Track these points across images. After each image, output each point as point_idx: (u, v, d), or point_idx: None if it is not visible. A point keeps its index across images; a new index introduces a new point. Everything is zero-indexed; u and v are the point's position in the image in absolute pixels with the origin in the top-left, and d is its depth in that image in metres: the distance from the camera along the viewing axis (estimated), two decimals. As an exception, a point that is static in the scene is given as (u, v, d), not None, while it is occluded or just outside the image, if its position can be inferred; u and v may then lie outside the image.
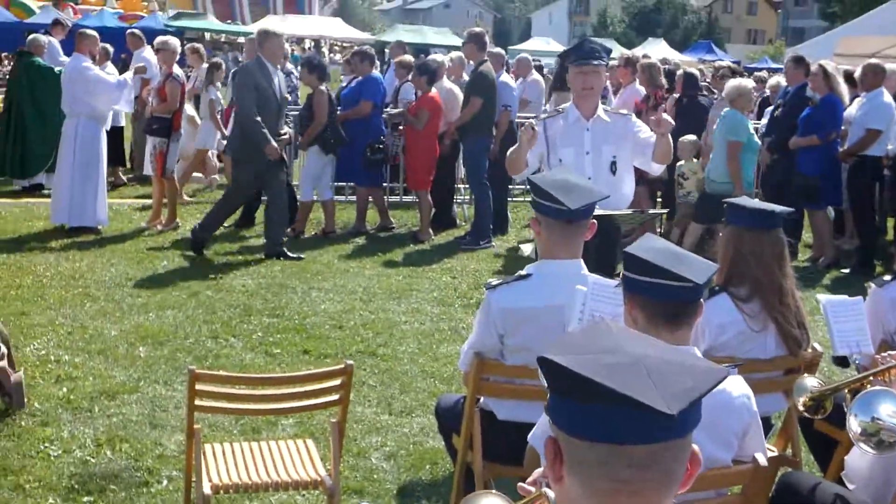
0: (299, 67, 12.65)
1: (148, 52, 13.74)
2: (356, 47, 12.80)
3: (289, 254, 9.89)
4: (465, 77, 12.75)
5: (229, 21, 50.71)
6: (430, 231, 11.29)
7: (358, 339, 7.46)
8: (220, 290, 8.64)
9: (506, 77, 11.93)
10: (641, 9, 73.40)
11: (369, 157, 11.13)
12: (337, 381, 4.02)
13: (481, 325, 4.03)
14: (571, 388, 1.61)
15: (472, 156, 11.12)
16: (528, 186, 3.99)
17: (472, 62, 11.44)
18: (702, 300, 3.00)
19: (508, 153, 6.17)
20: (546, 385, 1.69)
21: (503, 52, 12.98)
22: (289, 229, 10.96)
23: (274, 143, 9.60)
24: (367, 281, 9.22)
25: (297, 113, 11.63)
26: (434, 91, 11.22)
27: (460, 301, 8.65)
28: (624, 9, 76.74)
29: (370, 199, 11.70)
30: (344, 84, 13.52)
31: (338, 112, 11.23)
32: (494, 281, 4.02)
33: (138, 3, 53.53)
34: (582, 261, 3.95)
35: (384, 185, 12.40)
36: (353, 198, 12.11)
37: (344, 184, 12.43)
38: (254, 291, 8.63)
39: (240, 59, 25.11)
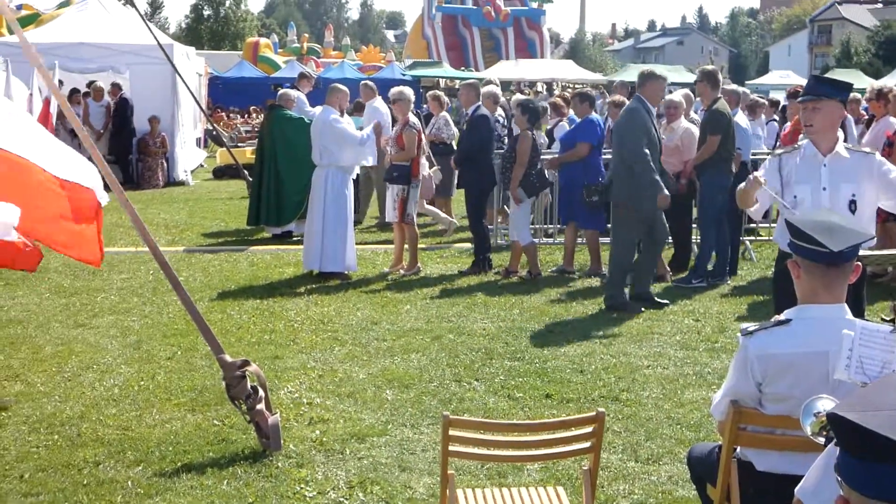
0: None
1: (379, 102, 14.30)
2: (579, 88, 12.83)
3: (657, 300, 9.81)
4: (693, 115, 12.51)
5: (463, 68, 51.89)
6: (669, 269, 11.18)
7: (600, 383, 7.36)
8: (461, 333, 8.74)
9: (740, 117, 11.52)
10: (889, 36, 69.83)
11: (587, 200, 11.08)
12: (588, 429, 3.96)
13: (737, 373, 3.87)
14: (866, 448, 1.51)
15: (707, 194, 10.84)
16: (787, 227, 3.81)
17: (704, 101, 11.12)
18: None
19: (738, 188, 6.14)
20: (836, 442, 1.59)
21: (739, 89, 12.58)
22: (502, 269, 11.26)
23: (666, 192, 9.51)
24: (607, 324, 9.11)
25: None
26: None
27: (704, 345, 8.41)
28: (869, 37, 73.24)
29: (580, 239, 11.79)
30: (550, 126, 13.52)
31: (541, 155, 11.26)
32: (751, 326, 3.85)
33: (376, 55, 55.88)
34: (846, 305, 3.74)
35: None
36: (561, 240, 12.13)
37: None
38: (494, 335, 8.68)
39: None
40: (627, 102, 12.55)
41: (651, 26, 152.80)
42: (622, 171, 9.71)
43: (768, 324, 3.80)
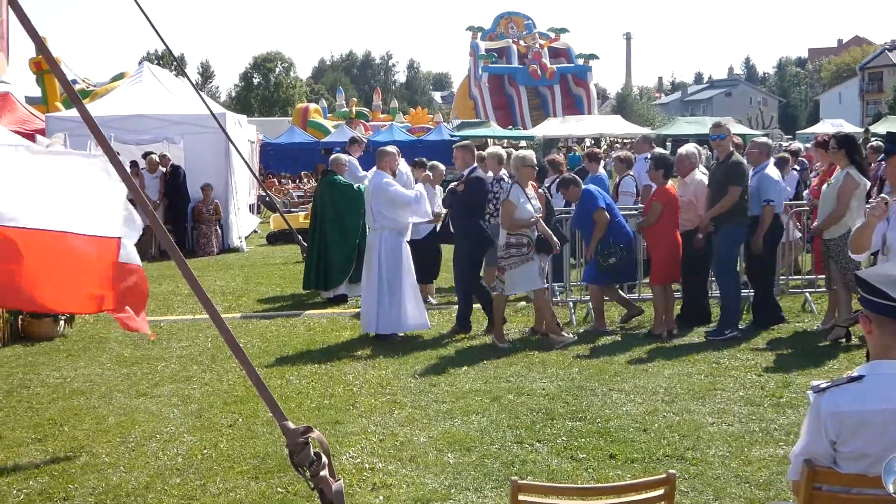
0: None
1: (402, 165, 14.47)
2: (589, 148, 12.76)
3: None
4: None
5: (510, 126, 52.20)
6: (666, 327, 11.04)
7: (664, 442, 7.25)
8: (520, 393, 8.68)
9: (771, 169, 11.22)
10: (945, 80, 69.30)
11: (602, 265, 11.04)
12: (660, 491, 3.90)
13: (810, 431, 3.79)
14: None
15: (725, 245, 10.78)
16: (857, 282, 3.75)
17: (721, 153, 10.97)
18: None
19: (853, 231, 6.16)
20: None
21: (768, 140, 12.28)
22: (527, 329, 11.22)
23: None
24: (668, 381, 9.00)
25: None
26: (670, 184, 11.02)
27: (769, 400, 8.27)
28: (922, 83, 72.77)
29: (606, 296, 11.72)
30: (548, 184, 13.40)
31: (555, 213, 11.27)
32: (822, 383, 3.77)
33: (424, 116, 56.47)
34: (921, 361, 3.66)
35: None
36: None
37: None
38: (554, 395, 8.61)
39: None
40: (648, 155, 12.54)
41: (698, 78, 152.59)
42: None
43: (840, 380, 3.72)
